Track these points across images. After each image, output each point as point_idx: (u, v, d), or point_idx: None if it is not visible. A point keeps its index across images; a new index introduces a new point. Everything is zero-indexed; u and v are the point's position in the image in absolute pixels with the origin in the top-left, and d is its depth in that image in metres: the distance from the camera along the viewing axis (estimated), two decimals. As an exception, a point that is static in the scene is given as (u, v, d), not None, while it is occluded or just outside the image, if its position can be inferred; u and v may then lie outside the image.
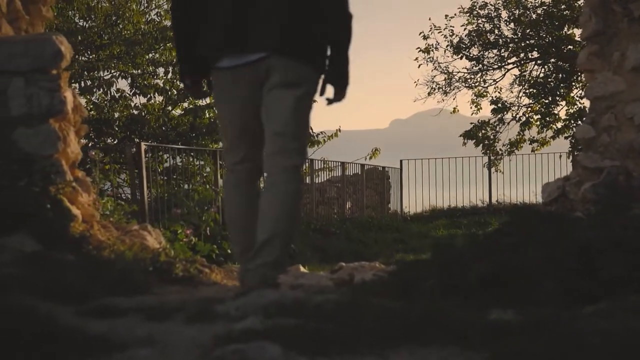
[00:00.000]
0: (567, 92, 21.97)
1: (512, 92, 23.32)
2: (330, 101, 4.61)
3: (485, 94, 23.43)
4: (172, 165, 13.38)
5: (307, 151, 4.64)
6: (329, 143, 18.06)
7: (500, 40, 22.59)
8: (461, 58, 23.00)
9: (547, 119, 22.40)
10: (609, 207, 4.49)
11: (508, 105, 22.96)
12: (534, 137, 22.96)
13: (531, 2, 22.29)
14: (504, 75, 23.37)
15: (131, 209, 8.57)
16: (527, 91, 22.54)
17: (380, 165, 21.73)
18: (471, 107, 23.70)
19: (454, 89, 23.53)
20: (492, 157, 22.75)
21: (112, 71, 16.77)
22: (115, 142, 16.28)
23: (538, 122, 22.62)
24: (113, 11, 16.93)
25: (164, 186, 11.47)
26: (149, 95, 16.68)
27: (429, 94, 23.87)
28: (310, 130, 4.61)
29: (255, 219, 4.28)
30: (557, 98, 22.21)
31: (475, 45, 22.78)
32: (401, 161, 22.33)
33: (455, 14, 23.22)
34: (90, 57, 16.84)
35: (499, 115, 23.07)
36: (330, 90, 4.54)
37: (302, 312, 2.64)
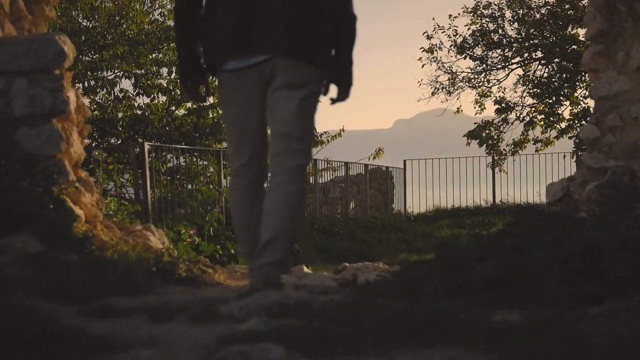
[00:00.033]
0: (571, 92, 21.93)
1: (516, 92, 23.32)
2: (333, 101, 4.65)
3: (489, 93, 23.40)
4: (176, 166, 13.37)
5: (312, 152, 4.64)
6: (333, 143, 18.07)
7: (504, 40, 22.56)
8: (465, 58, 22.97)
9: (551, 119, 22.35)
10: (613, 207, 4.48)
11: (512, 105, 22.93)
12: (537, 137, 22.92)
13: (535, 2, 22.26)
14: (508, 75, 23.35)
15: (134, 209, 8.57)
16: (531, 91, 22.50)
17: (384, 166, 21.72)
18: (475, 107, 23.68)
19: (457, 89, 23.51)
20: (495, 157, 22.71)
21: (116, 71, 16.79)
22: (118, 142, 16.27)
23: (542, 122, 22.57)
24: (116, 11, 16.94)
25: (167, 186, 11.46)
26: (152, 95, 16.67)
27: (432, 93, 23.84)
28: (314, 131, 4.62)
29: (260, 220, 4.30)
30: (561, 98, 22.16)
31: (479, 45, 22.74)
32: (405, 161, 22.32)
33: (459, 14, 23.21)
34: (94, 57, 16.85)
35: (503, 115, 23.04)
36: (333, 90, 4.58)
37: (306, 313, 2.63)
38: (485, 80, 23.31)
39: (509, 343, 2.26)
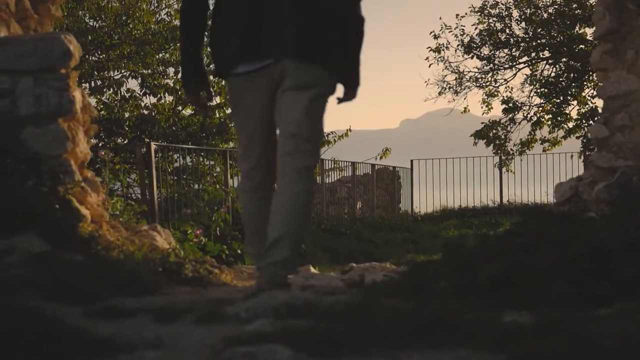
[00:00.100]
0: (578, 91, 21.91)
1: (523, 91, 23.37)
2: (340, 100, 4.71)
3: (496, 93, 23.40)
4: (182, 165, 13.37)
5: (320, 152, 4.64)
6: (340, 143, 18.08)
7: (512, 39, 22.55)
8: (472, 57, 22.97)
9: (559, 118, 22.35)
10: (622, 207, 4.46)
11: (519, 104, 22.93)
12: (545, 137, 22.92)
13: (542, 1, 22.26)
14: (515, 74, 23.35)
15: (141, 209, 8.57)
16: (539, 91, 22.49)
17: (391, 165, 21.72)
18: (482, 107, 23.70)
19: (464, 89, 23.51)
20: (503, 157, 22.71)
21: (122, 71, 16.83)
22: (125, 142, 16.29)
23: (549, 122, 22.57)
24: (123, 11, 16.96)
25: (173, 186, 11.45)
26: (159, 95, 16.70)
27: (439, 93, 23.85)
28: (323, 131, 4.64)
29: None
30: (569, 98, 22.16)
31: (486, 45, 22.74)
32: (412, 161, 22.31)
33: (466, 13, 23.23)
34: (101, 57, 16.87)
35: (510, 115, 23.04)
36: (340, 90, 4.61)
37: (313, 314, 2.61)
38: (492, 79, 23.33)
39: (518, 344, 2.24)
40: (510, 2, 22.59)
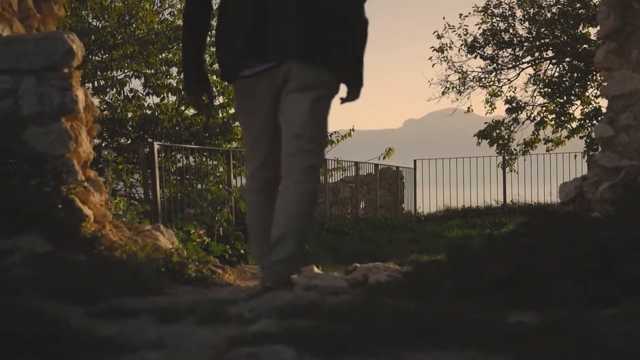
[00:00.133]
0: (582, 91, 21.88)
1: (526, 91, 23.26)
2: (343, 100, 4.72)
3: (499, 93, 23.36)
4: (185, 165, 13.36)
5: (324, 153, 4.64)
6: (343, 143, 18.09)
7: (515, 39, 22.51)
8: (475, 57, 22.94)
9: (562, 118, 22.31)
10: (627, 207, 4.45)
11: (522, 104, 22.88)
12: (548, 137, 22.89)
13: (546, 1, 22.21)
14: (519, 74, 23.29)
15: (144, 209, 8.57)
16: (542, 90, 22.45)
17: (394, 165, 21.70)
18: (485, 107, 23.65)
19: (468, 89, 23.47)
20: (506, 157, 22.68)
21: (126, 71, 16.83)
22: (128, 142, 16.28)
23: (553, 122, 22.54)
24: (126, 11, 16.96)
25: (177, 186, 11.45)
26: (162, 95, 16.71)
27: (443, 93, 23.80)
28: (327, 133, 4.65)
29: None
30: (572, 97, 22.12)
31: (490, 45, 22.70)
32: (415, 161, 22.31)
33: (469, 13, 23.18)
34: (104, 56, 16.88)
35: (514, 115, 23.00)
36: (343, 90, 4.63)
37: (317, 314, 2.60)
38: (495, 79, 23.28)
39: (523, 344, 2.23)
40: (513, 2, 22.57)
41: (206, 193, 10.68)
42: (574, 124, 22.30)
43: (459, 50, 23.20)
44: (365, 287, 5.13)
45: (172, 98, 16.87)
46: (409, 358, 2.18)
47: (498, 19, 22.70)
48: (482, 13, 22.89)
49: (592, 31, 20.95)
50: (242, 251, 9.11)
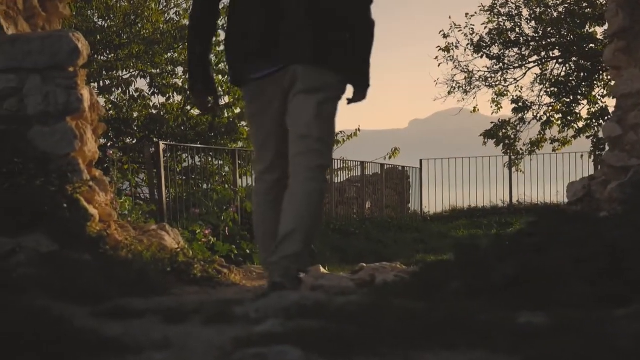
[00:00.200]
0: (588, 91, 21.83)
1: (533, 91, 23.24)
2: (350, 101, 4.76)
3: (505, 93, 23.31)
4: (191, 165, 13.36)
5: (332, 154, 4.65)
6: (348, 143, 18.10)
7: (521, 38, 22.48)
8: (481, 57, 22.91)
9: (569, 118, 22.27)
10: (635, 206, 4.43)
11: (529, 104, 22.85)
12: (555, 137, 22.85)
13: (552, 0, 22.17)
14: (525, 74, 23.25)
15: (149, 209, 8.56)
16: (548, 90, 22.41)
17: (400, 165, 21.69)
18: (491, 107, 23.62)
19: (474, 88, 23.42)
20: (512, 157, 22.65)
21: (131, 70, 16.87)
22: (134, 142, 16.29)
23: (559, 122, 22.50)
24: (132, 10, 16.98)
25: (182, 186, 11.44)
26: (167, 95, 16.73)
27: (449, 93, 23.76)
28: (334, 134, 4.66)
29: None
30: (579, 97, 22.08)
31: (496, 44, 22.67)
32: (421, 161, 22.30)
33: (475, 12, 23.14)
34: (109, 56, 16.90)
35: (520, 115, 22.96)
36: (350, 90, 4.67)
37: (324, 314, 2.58)
38: (502, 79, 23.25)
39: (532, 345, 2.21)
40: (520, 1, 22.53)
41: (212, 193, 10.68)
42: (581, 124, 22.26)
43: (465, 50, 23.23)
44: (372, 287, 5.12)
45: (178, 98, 16.93)
46: (416, 358, 2.16)
47: (504, 18, 22.68)
48: (488, 12, 22.87)
49: (599, 30, 20.95)
50: (248, 251, 9.10)
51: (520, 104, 22.77)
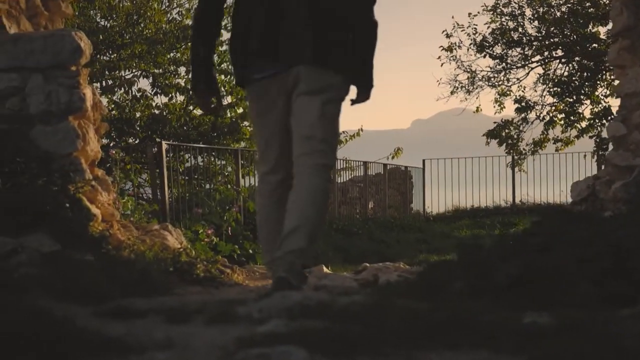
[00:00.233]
0: (591, 90, 21.83)
1: (536, 90, 23.23)
2: (354, 102, 4.76)
3: (508, 92, 23.32)
4: (194, 165, 13.36)
5: (336, 155, 4.64)
6: (351, 143, 18.12)
7: (524, 38, 22.48)
8: (484, 56, 22.91)
9: (572, 118, 22.27)
10: (640, 206, 4.42)
11: (532, 104, 22.84)
12: (558, 137, 22.85)
13: (555, 0, 22.15)
14: (528, 73, 23.26)
15: (152, 209, 8.56)
16: (551, 90, 22.40)
17: (403, 165, 21.69)
18: (494, 106, 23.61)
19: (477, 88, 23.43)
20: (515, 157, 22.65)
21: (134, 70, 16.88)
22: (136, 142, 16.29)
23: (562, 122, 22.50)
24: (134, 10, 16.99)
25: (185, 186, 11.44)
26: (170, 95, 16.74)
27: (451, 93, 23.76)
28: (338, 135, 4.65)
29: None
30: (582, 97, 22.07)
31: (499, 44, 22.67)
32: (424, 161, 22.30)
33: (478, 12, 23.15)
34: (112, 56, 16.91)
35: (523, 115, 22.96)
36: (353, 91, 4.67)
37: (327, 314, 2.57)
38: (505, 79, 23.24)
39: (538, 345, 2.20)
40: (523, 1, 22.53)
41: (214, 193, 10.68)
42: (584, 124, 22.26)
43: (467, 50, 23.20)
44: (376, 287, 5.12)
45: (180, 98, 16.94)
46: (420, 358, 2.15)
47: (507, 18, 22.68)
48: (491, 12, 22.87)
49: (602, 30, 20.96)
50: (250, 251, 9.11)
51: (523, 104, 22.77)
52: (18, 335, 2.09)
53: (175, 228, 7.14)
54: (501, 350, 2.20)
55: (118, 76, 16.50)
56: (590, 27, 21.37)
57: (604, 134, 19.86)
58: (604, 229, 3.64)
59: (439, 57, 23.25)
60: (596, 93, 21.86)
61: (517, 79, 23.25)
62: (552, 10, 22.06)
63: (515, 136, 23.15)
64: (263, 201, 4.61)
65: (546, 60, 22.79)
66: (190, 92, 16.01)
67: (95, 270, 4.07)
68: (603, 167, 6.20)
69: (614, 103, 20.71)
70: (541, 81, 22.86)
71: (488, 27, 22.90)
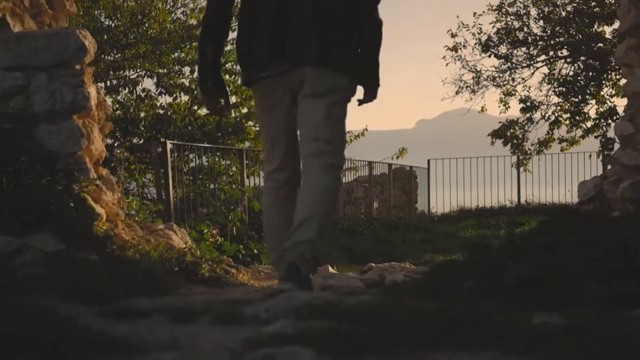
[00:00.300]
0: (597, 90, 21.78)
1: (541, 90, 23.18)
2: (361, 102, 4.77)
3: (513, 92, 23.27)
4: (198, 165, 13.36)
5: (344, 154, 4.63)
6: (356, 143, 18.11)
7: (529, 38, 22.44)
8: (489, 56, 22.87)
9: (577, 118, 22.22)
10: (649, 205, 4.40)
11: (537, 104, 22.80)
12: (563, 137, 22.80)
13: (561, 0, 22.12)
14: (533, 73, 23.21)
15: (156, 209, 8.55)
16: (557, 90, 22.36)
17: (408, 165, 21.69)
18: (499, 106, 23.58)
19: (482, 88, 23.38)
20: (520, 157, 22.60)
21: (138, 70, 16.92)
22: (141, 142, 16.29)
23: (567, 121, 22.45)
24: (139, 10, 17.01)
25: (189, 186, 11.43)
26: (174, 95, 16.75)
27: (456, 92, 23.72)
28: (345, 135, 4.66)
29: (290, 225, 4.34)
30: (587, 97, 22.02)
31: (504, 43, 22.63)
32: (429, 161, 22.30)
33: (483, 12, 23.11)
34: (116, 56, 16.93)
35: (528, 114, 22.91)
36: (360, 91, 4.69)
37: (334, 314, 2.56)
38: (510, 78, 23.19)
39: (548, 345, 2.19)
40: (528, 0, 22.49)
41: (219, 192, 10.68)
42: (589, 124, 22.20)
43: (472, 49, 23.16)
44: (382, 287, 5.11)
45: (185, 97, 16.96)
46: (427, 358, 2.14)
47: (512, 17, 22.64)
48: (496, 12, 22.83)
49: (608, 30, 20.91)
50: (255, 251, 9.10)
51: (528, 104, 22.73)
52: (21, 334, 2.07)
53: (180, 228, 7.14)
54: (511, 350, 2.19)
55: (122, 76, 16.53)
56: (595, 26, 21.32)
57: (610, 134, 19.85)
58: (612, 229, 3.63)
59: (444, 57, 23.25)
60: (601, 93, 21.82)
61: (522, 78, 23.21)
62: (558, 10, 22.03)
63: (520, 136, 23.10)
64: (269, 199, 4.62)
65: (551, 60, 22.75)
66: (195, 91, 16.04)
67: (100, 270, 4.06)
68: (609, 166, 6.17)
69: (620, 103, 20.69)
70: (546, 81, 22.82)
71: (493, 27, 22.88)
